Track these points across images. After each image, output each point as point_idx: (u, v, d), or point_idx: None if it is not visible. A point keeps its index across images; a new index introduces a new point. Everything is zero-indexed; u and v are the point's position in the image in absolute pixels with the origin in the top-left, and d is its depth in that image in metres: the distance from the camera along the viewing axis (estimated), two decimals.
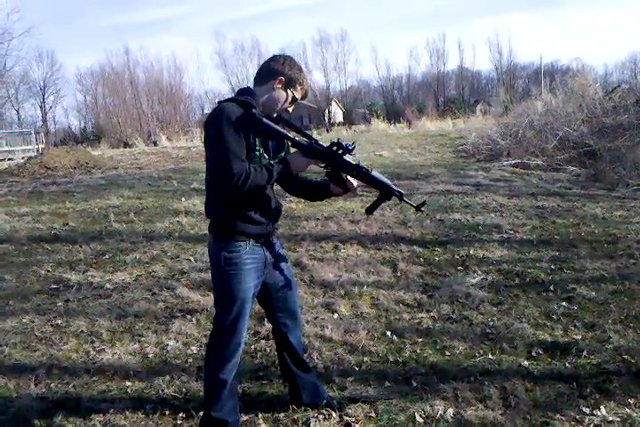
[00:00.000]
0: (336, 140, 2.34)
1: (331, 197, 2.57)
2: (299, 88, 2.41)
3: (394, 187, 2.43)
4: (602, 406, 2.67)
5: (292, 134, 2.36)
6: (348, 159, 2.37)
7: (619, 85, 14.24)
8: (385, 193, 2.44)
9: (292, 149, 2.41)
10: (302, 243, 5.86)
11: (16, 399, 2.97)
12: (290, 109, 2.45)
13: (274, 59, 2.42)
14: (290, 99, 2.40)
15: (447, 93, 62.59)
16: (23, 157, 18.41)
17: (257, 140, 2.32)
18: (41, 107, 53.13)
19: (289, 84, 2.37)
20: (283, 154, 2.47)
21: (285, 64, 2.38)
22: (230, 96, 2.41)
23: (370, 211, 2.54)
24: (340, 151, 2.34)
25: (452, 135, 18.43)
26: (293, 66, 2.40)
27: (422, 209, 2.46)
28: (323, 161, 2.37)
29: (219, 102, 2.33)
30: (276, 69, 2.37)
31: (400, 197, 2.44)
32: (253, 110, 2.24)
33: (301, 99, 2.46)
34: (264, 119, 2.26)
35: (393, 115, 46.96)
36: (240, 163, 2.17)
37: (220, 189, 2.30)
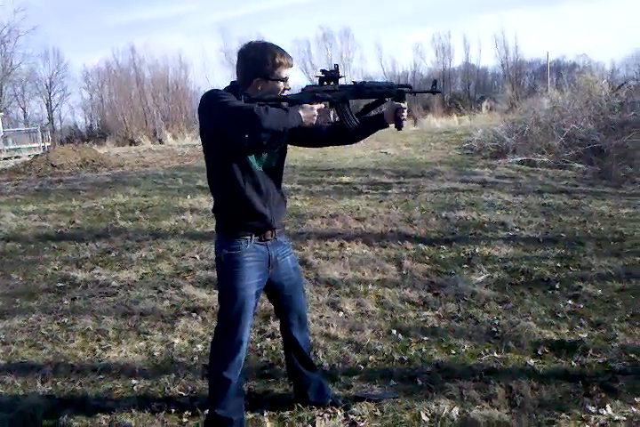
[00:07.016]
0: (319, 73, 2.33)
1: (377, 129, 2.50)
2: (279, 70, 2.27)
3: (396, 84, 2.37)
4: (608, 405, 2.66)
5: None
6: (344, 84, 2.35)
7: (625, 82, 14.13)
8: (394, 95, 2.36)
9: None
10: (308, 241, 5.86)
11: (23, 397, 2.98)
12: (288, 88, 2.34)
13: (240, 57, 2.31)
14: (281, 83, 2.30)
15: (453, 90, 62.27)
16: (29, 155, 18.52)
17: None
18: (47, 105, 53.10)
19: (268, 77, 2.26)
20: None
21: (251, 61, 2.26)
22: None
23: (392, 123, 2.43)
24: (332, 82, 2.34)
25: (458, 132, 18.38)
26: (258, 57, 2.25)
27: (438, 90, 2.41)
28: (326, 99, 2.33)
29: None
30: (246, 72, 2.28)
31: (410, 91, 2.39)
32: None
33: (289, 67, 2.30)
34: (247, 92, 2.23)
35: None
36: (248, 104, 2.12)
37: (241, 132, 2.14)
